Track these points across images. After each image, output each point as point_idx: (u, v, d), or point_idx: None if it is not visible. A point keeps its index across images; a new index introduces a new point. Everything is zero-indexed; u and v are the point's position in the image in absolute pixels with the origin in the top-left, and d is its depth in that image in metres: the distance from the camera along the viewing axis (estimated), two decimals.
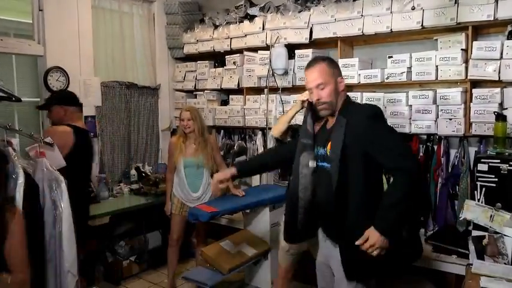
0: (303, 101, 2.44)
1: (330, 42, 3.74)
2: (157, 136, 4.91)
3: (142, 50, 4.75)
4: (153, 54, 4.85)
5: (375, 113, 2.02)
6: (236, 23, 4.30)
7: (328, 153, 2.06)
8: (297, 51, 3.90)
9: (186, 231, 4.23)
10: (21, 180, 2.04)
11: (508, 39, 2.86)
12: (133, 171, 4.44)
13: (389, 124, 2.11)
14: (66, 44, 3.92)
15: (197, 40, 4.64)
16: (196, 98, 4.82)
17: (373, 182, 2.03)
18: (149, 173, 4.51)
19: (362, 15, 3.42)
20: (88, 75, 4.14)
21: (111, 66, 4.45)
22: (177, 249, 3.67)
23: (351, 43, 3.76)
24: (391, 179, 2.04)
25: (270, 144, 4.18)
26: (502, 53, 2.82)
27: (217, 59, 4.63)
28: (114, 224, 3.84)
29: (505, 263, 2.28)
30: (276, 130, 3.18)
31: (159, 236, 4.38)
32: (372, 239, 1.91)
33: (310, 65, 2.11)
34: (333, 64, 2.10)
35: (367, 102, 3.36)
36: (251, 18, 4.19)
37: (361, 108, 2.07)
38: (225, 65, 4.47)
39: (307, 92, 2.21)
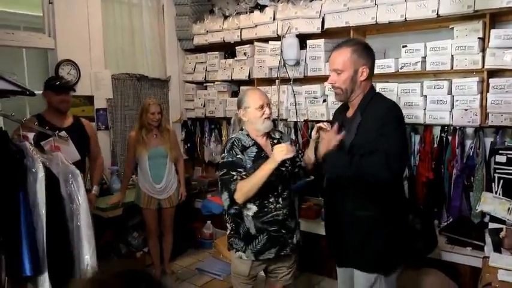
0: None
1: (342, 32, 3.69)
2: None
3: (152, 42, 4.74)
4: (163, 46, 4.84)
5: (387, 108, 1.97)
6: (246, 13, 4.27)
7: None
8: (308, 42, 3.86)
9: (187, 219, 4.28)
10: (41, 174, 2.05)
11: None
12: None
13: (401, 119, 2.00)
14: (76, 37, 3.92)
15: (207, 31, 4.62)
16: (206, 89, 4.81)
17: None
18: None
19: (375, 4, 3.38)
20: (99, 68, 4.14)
21: (122, 59, 4.45)
22: (157, 241, 3.74)
23: (363, 32, 3.72)
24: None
25: None
26: None
27: (228, 50, 4.61)
28: (127, 215, 3.87)
29: None
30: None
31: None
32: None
33: (337, 47, 2.06)
34: (360, 52, 1.99)
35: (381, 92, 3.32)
36: (262, 8, 4.16)
37: (379, 105, 1.98)
38: (236, 56, 4.46)
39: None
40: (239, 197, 2.13)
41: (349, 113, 2.10)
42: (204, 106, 4.82)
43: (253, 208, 2.20)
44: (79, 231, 2.27)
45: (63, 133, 2.87)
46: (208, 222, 4.45)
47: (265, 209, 2.20)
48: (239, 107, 2.32)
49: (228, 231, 2.34)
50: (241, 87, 4.49)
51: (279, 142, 2.32)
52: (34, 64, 3.93)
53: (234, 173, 2.16)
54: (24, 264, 1.98)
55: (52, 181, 2.16)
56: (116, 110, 4.33)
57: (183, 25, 4.81)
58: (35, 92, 3.01)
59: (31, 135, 2.30)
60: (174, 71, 4.94)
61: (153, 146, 3.54)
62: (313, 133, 2.16)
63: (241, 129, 2.33)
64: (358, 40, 2.19)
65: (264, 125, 2.25)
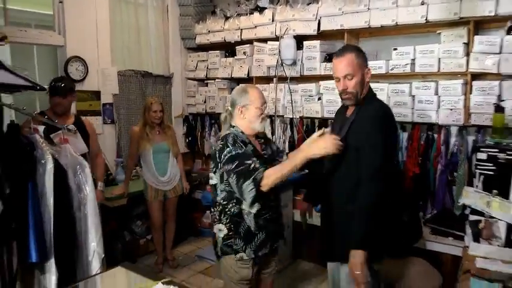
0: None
1: (337, 34, 3.76)
2: (171, 122, 4.87)
3: (156, 41, 4.78)
4: (167, 45, 4.88)
5: (374, 115, 2.00)
6: (247, 14, 4.31)
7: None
8: (305, 43, 3.92)
9: (188, 209, 4.35)
10: (50, 165, 2.10)
11: (507, 34, 2.88)
12: None
13: (383, 130, 1.99)
14: (85, 35, 3.98)
15: (209, 31, 4.66)
16: (207, 86, 4.85)
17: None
18: None
19: (369, 9, 3.44)
20: (106, 64, 4.19)
21: (127, 56, 4.49)
22: (161, 232, 3.83)
23: (357, 35, 3.77)
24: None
25: (278, 130, 4.26)
26: (501, 48, 2.85)
27: (228, 49, 4.65)
28: (131, 205, 3.95)
29: (498, 245, 2.34)
30: None
31: None
32: (354, 266, 1.93)
33: (339, 54, 2.06)
34: (361, 55, 2.05)
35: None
36: (261, 10, 4.21)
37: (371, 109, 2.03)
38: (236, 55, 4.50)
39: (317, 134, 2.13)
40: (265, 184, 1.98)
41: (348, 113, 2.14)
42: (204, 102, 4.87)
43: (256, 206, 2.07)
44: (86, 219, 2.31)
45: (71, 126, 2.93)
46: (208, 212, 4.53)
47: (267, 207, 2.13)
48: (235, 103, 2.15)
49: (224, 234, 2.11)
50: (240, 85, 4.53)
51: (264, 143, 2.28)
52: (44, 60, 3.98)
53: (249, 161, 2.00)
54: (31, 251, 2.02)
55: (60, 172, 2.20)
56: (122, 105, 4.39)
57: (186, 25, 4.85)
58: (45, 87, 3.08)
59: (41, 128, 2.34)
60: (177, 69, 4.98)
61: (156, 141, 3.63)
62: (316, 134, 2.12)
63: (232, 127, 2.16)
64: (354, 45, 2.22)
65: (261, 125, 2.17)
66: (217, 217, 2.15)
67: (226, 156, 2.03)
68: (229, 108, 2.21)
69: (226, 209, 2.11)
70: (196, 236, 4.51)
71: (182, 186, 3.84)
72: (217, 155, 2.07)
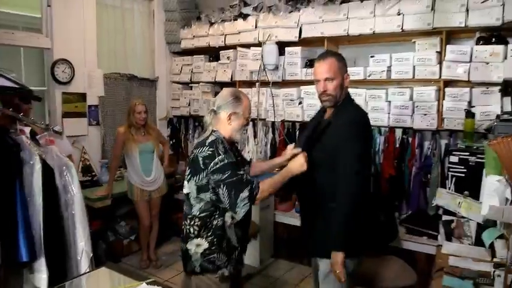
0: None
1: (317, 41, 3.78)
2: (155, 124, 4.85)
3: (142, 44, 4.73)
4: (152, 48, 4.84)
5: (351, 120, 2.00)
6: (231, 20, 4.30)
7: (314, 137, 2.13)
8: (287, 49, 3.93)
9: (171, 210, 4.30)
10: (38, 165, 2.06)
11: (476, 44, 2.95)
12: None
13: (360, 134, 2.01)
14: (72, 38, 3.89)
15: (194, 36, 4.63)
16: (191, 89, 4.81)
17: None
18: None
19: (347, 18, 3.47)
20: (92, 67, 4.11)
21: (113, 59, 4.43)
22: (148, 231, 3.79)
23: (336, 42, 3.80)
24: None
25: (260, 133, 4.26)
26: (471, 57, 2.92)
27: (212, 53, 4.62)
28: (115, 205, 3.87)
29: (469, 244, 2.39)
30: None
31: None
32: (335, 265, 1.94)
33: (321, 57, 2.07)
34: (342, 60, 2.07)
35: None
36: (245, 16, 4.20)
37: (347, 114, 2.03)
38: (219, 60, 4.48)
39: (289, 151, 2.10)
40: (259, 198, 1.87)
41: (327, 115, 2.15)
42: (189, 105, 4.83)
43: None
44: (74, 219, 2.27)
45: (57, 128, 2.85)
46: None
47: (245, 217, 1.96)
48: (224, 108, 1.96)
49: (204, 249, 1.91)
50: (223, 88, 4.50)
51: (237, 149, 2.17)
52: (30, 62, 3.88)
53: (241, 172, 1.87)
54: (20, 251, 1.97)
55: (48, 172, 2.16)
56: (107, 107, 4.31)
57: (172, 30, 4.81)
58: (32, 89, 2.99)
59: (27, 130, 2.28)
60: (162, 72, 4.93)
61: (141, 142, 3.59)
62: (288, 155, 2.10)
63: (214, 131, 1.97)
64: (335, 52, 2.24)
65: (241, 136, 2.05)
66: (195, 232, 1.92)
67: (218, 165, 1.83)
68: (215, 109, 1.99)
69: (208, 223, 1.91)
70: (179, 235, 4.35)
71: (166, 186, 3.80)
72: (201, 162, 1.86)
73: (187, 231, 1.95)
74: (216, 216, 1.91)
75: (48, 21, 3.74)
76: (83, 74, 4.02)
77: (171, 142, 5.08)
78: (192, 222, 1.94)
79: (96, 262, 2.69)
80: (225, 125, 1.97)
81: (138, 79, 4.62)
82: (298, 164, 1.97)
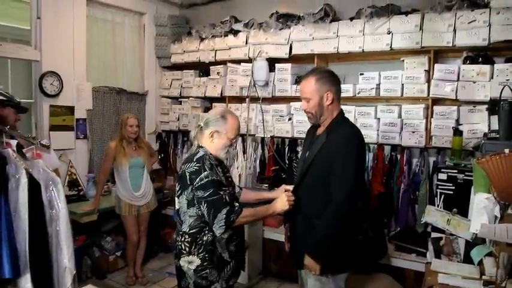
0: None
1: (307, 58, 3.81)
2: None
3: (132, 58, 4.71)
4: (142, 63, 4.82)
5: (348, 136, 2.04)
6: (221, 36, 4.32)
7: (306, 155, 2.19)
8: (277, 65, 3.96)
9: (158, 226, 4.24)
10: (24, 180, 2.01)
11: (464, 63, 3.02)
12: None
13: (356, 151, 2.04)
14: (61, 50, 3.86)
15: (184, 51, 4.65)
16: (181, 104, 4.80)
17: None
18: None
19: (337, 36, 3.52)
20: (81, 80, 4.07)
21: (103, 73, 4.40)
22: (136, 247, 3.71)
23: (326, 59, 3.84)
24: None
25: (249, 149, 4.24)
26: (459, 75, 2.98)
27: (202, 69, 4.63)
28: (101, 220, 3.78)
29: (458, 261, 2.39)
30: None
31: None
32: (308, 267, 2.03)
33: (303, 77, 2.16)
34: (324, 79, 2.07)
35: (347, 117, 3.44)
36: (235, 33, 4.22)
37: (342, 130, 2.06)
38: (210, 75, 4.49)
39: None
40: (237, 222, 1.92)
41: (319, 132, 2.17)
42: (178, 120, 4.81)
43: (228, 231, 1.95)
44: (58, 236, 2.21)
45: (45, 141, 2.80)
46: None
47: (237, 231, 2.04)
48: (209, 125, 2.02)
49: (196, 266, 1.95)
50: (213, 104, 4.53)
51: (225, 167, 2.17)
52: (18, 74, 3.83)
53: (221, 192, 1.92)
54: (3, 267, 1.91)
55: (34, 187, 2.11)
56: (95, 121, 4.26)
57: (162, 44, 4.82)
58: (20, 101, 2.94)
59: (14, 143, 2.23)
60: (152, 86, 4.92)
61: (132, 157, 3.54)
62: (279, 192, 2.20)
63: (201, 147, 2.03)
64: (324, 69, 2.27)
65: (226, 155, 2.07)
66: (186, 249, 1.96)
67: (203, 181, 1.89)
68: (201, 124, 2.06)
69: (198, 239, 1.95)
70: (166, 252, 4.36)
71: (155, 201, 3.76)
72: (188, 177, 1.91)
73: (180, 247, 1.99)
74: (206, 231, 1.95)
75: (38, 33, 3.71)
76: (71, 87, 3.98)
77: (160, 157, 5.03)
78: (183, 239, 1.98)
79: (81, 278, 2.62)
80: (208, 142, 2.03)
81: (128, 93, 4.59)
82: (281, 203, 2.06)
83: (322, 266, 2.01)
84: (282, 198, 2.07)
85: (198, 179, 1.88)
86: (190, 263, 1.95)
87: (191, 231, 1.95)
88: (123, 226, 3.66)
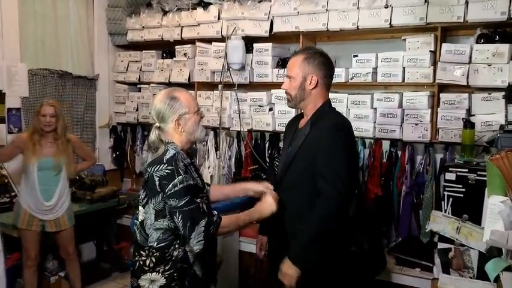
0: None
1: (291, 37, 3.79)
2: (94, 134, 4.80)
3: (78, 35, 4.61)
4: (91, 40, 4.74)
5: (334, 125, 2.10)
6: (188, 9, 4.25)
7: (288, 150, 2.24)
8: (255, 45, 3.92)
9: (111, 239, 4.15)
10: None
11: (477, 42, 3.00)
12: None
13: (346, 141, 2.11)
14: None
15: (143, 26, 4.58)
16: (140, 91, 4.74)
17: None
18: (84, 176, 4.33)
19: (327, 10, 3.49)
20: (13, 60, 3.96)
21: (41, 52, 4.29)
22: (35, 269, 3.49)
23: (313, 39, 3.81)
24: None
25: (223, 145, 4.18)
26: (470, 57, 2.97)
27: (166, 49, 4.58)
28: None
29: (470, 277, 2.38)
30: None
31: (94, 247, 4.28)
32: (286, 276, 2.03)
33: (294, 53, 2.28)
34: (313, 60, 2.16)
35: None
36: (205, 5, 4.16)
37: (327, 120, 2.13)
38: (175, 57, 4.45)
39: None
40: (217, 234, 1.94)
41: (301, 124, 2.23)
42: (136, 110, 4.75)
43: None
44: None
45: None
46: None
47: (211, 244, 2.03)
48: (166, 117, 1.97)
49: (160, 286, 1.92)
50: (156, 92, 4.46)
51: (194, 163, 2.15)
52: None
53: (198, 200, 1.90)
54: None
55: None
56: (32, 111, 4.08)
57: (116, 18, 4.73)
58: None
59: None
60: (103, 69, 4.85)
61: (44, 155, 3.32)
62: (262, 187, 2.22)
63: (168, 143, 1.98)
64: (319, 50, 2.29)
65: (203, 133, 2.09)
66: (151, 265, 1.93)
67: (177, 188, 1.84)
68: (158, 124, 2.01)
69: (167, 254, 1.92)
70: (122, 271, 4.26)
71: (69, 219, 3.49)
72: (157, 183, 1.86)
73: (141, 263, 1.95)
74: (177, 246, 1.93)
75: None
76: (0, 69, 3.85)
77: (114, 155, 4.97)
78: (150, 254, 1.94)
79: None
80: (177, 134, 2.00)
81: (73, 77, 4.50)
82: (268, 204, 2.06)
83: (308, 282, 2.01)
84: (267, 198, 2.07)
85: (171, 185, 1.84)
86: (153, 282, 1.92)
87: (159, 245, 1.93)
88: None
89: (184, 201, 1.84)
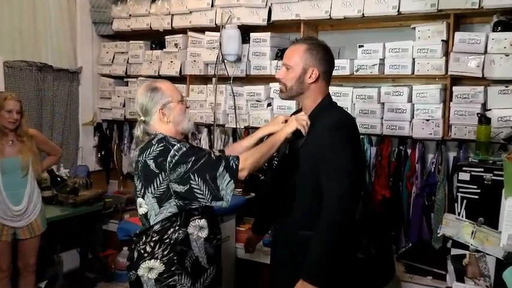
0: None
1: (291, 26, 3.79)
2: (77, 132, 4.80)
3: (59, 24, 4.59)
4: (73, 30, 4.74)
5: (336, 120, 2.10)
6: None
7: (287, 152, 2.24)
8: (252, 35, 3.93)
9: (96, 246, 4.11)
10: None
11: (493, 31, 2.99)
12: (45, 175, 4.21)
13: (348, 140, 2.09)
14: None
15: (130, 15, 4.58)
16: (127, 85, 4.76)
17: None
18: (66, 178, 4.34)
19: None
20: None
21: (18, 42, 4.28)
22: (8, 281, 3.39)
23: (315, 28, 3.81)
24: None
25: (217, 143, 4.17)
26: (486, 47, 2.95)
27: (155, 39, 4.59)
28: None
29: (487, 286, 2.39)
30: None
31: (77, 255, 4.27)
32: None
33: (294, 41, 2.25)
34: (316, 52, 2.13)
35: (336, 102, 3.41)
36: None
37: (329, 116, 2.13)
38: (165, 47, 4.46)
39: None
40: (244, 168, 1.93)
41: None
42: (123, 106, 4.76)
43: (205, 227, 2.03)
44: None
45: None
46: (125, 248, 4.28)
47: (215, 229, 2.10)
48: (150, 109, 2.04)
49: (158, 273, 1.96)
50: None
51: None
52: None
53: (205, 152, 1.98)
54: None
55: None
56: None
57: (100, 5, 4.74)
58: None
59: None
60: (87, 61, 4.85)
61: (7, 155, 3.24)
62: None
63: (155, 135, 2.05)
64: (320, 41, 2.27)
65: (190, 123, 2.14)
66: (148, 251, 1.98)
67: (176, 157, 1.90)
68: (143, 118, 2.08)
69: (165, 237, 1.97)
70: (108, 281, 4.27)
71: (42, 223, 3.41)
72: (153, 165, 1.93)
73: (141, 251, 2.00)
74: (177, 227, 1.98)
75: None
76: None
77: (99, 155, 4.98)
78: (149, 239, 2.00)
79: None
80: (164, 125, 2.07)
81: (54, 70, 4.50)
82: (290, 124, 2.08)
83: None
84: (290, 120, 2.11)
85: (169, 158, 1.91)
86: (151, 270, 1.95)
87: (158, 228, 1.99)
88: (49, 248, 3.46)
89: (191, 163, 1.89)
